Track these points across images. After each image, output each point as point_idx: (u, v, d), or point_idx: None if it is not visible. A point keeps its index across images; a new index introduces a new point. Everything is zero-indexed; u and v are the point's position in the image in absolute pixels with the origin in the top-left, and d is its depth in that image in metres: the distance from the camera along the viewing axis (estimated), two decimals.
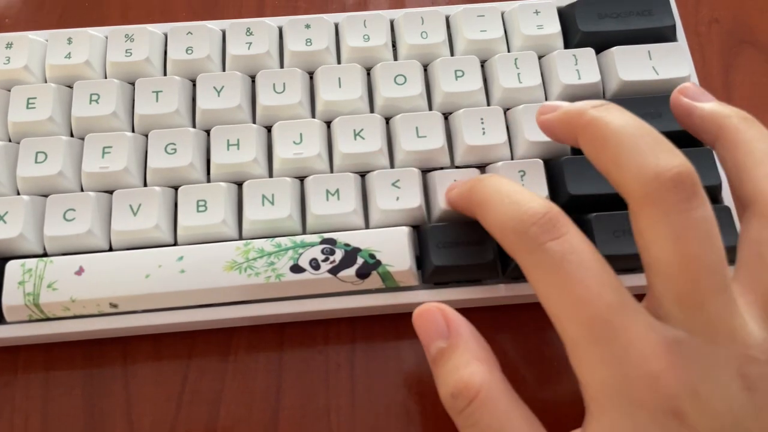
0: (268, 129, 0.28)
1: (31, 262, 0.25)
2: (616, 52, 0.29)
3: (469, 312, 0.28)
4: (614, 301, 0.18)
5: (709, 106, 0.23)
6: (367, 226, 0.27)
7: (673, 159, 0.19)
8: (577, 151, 0.28)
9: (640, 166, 0.19)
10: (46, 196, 0.27)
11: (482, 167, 0.28)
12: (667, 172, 0.18)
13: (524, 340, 0.28)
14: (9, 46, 0.29)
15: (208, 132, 0.28)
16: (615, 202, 0.26)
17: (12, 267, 0.25)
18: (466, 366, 0.20)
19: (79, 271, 0.25)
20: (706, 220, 0.18)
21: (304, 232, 0.27)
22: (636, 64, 0.28)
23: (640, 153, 0.19)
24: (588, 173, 0.26)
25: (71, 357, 0.27)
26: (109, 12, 0.34)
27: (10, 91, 0.28)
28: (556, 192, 0.27)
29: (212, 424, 0.26)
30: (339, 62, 0.30)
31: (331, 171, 0.28)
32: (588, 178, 0.26)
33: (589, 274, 0.19)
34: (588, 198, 0.26)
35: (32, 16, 0.34)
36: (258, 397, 0.27)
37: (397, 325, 0.28)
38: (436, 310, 0.22)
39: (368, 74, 0.29)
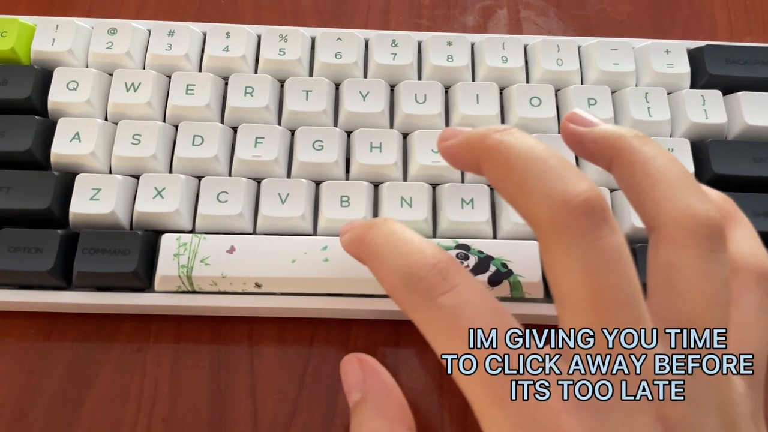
0: (404, 135, 0.30)
1: (186, 237, 0.27)
2: (742, 96, 0.30)
3: None
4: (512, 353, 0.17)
5: (600, 128, 0.21)
6: (494, 237, 0.28)
7: (580, 183, 0.18)
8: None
9: (547, 191, 0.18)
10: (197, 177, 0.28)
11: (612, 191, 0.29)
12: (576, 198, 0.17)
13: None
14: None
15: (349, 133, 0.30)
16: None
17: (167, 240, 0.27)
18: (370, 422, 0.21)
19: (231, 250, 0.27)
20: (617, 248, 0.17)
21: (433, 236, 0.28)
22: (761, 109, 0.30)
23: (546, 178, 0.18)
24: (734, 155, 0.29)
25: (200, 331, 0.29)
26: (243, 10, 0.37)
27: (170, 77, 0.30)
28: None
29: (332, 407, 0.28)
30: (474, 80, 0.31)
31: (462, 181, 0.29)
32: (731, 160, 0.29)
33: (483, 327, 0.17)
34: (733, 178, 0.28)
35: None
36: None
37: None
38: (355, 361, 0.22)
39: (501, 93, 0.31)
